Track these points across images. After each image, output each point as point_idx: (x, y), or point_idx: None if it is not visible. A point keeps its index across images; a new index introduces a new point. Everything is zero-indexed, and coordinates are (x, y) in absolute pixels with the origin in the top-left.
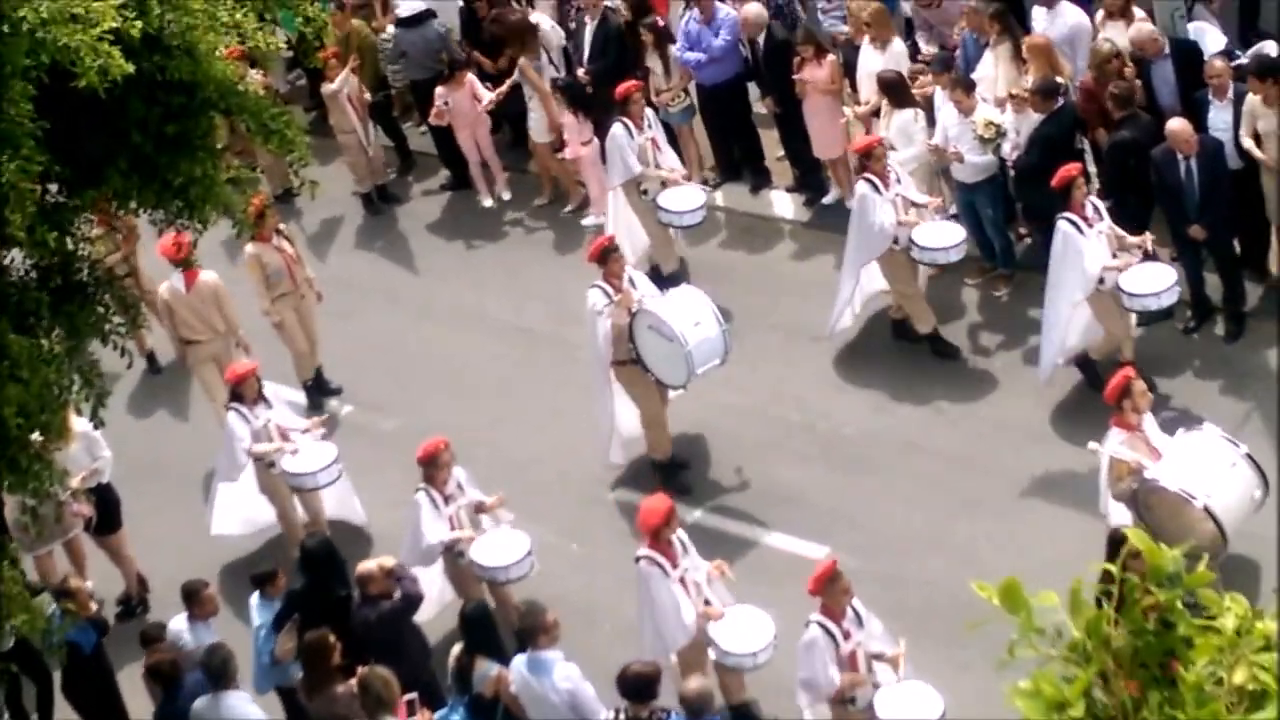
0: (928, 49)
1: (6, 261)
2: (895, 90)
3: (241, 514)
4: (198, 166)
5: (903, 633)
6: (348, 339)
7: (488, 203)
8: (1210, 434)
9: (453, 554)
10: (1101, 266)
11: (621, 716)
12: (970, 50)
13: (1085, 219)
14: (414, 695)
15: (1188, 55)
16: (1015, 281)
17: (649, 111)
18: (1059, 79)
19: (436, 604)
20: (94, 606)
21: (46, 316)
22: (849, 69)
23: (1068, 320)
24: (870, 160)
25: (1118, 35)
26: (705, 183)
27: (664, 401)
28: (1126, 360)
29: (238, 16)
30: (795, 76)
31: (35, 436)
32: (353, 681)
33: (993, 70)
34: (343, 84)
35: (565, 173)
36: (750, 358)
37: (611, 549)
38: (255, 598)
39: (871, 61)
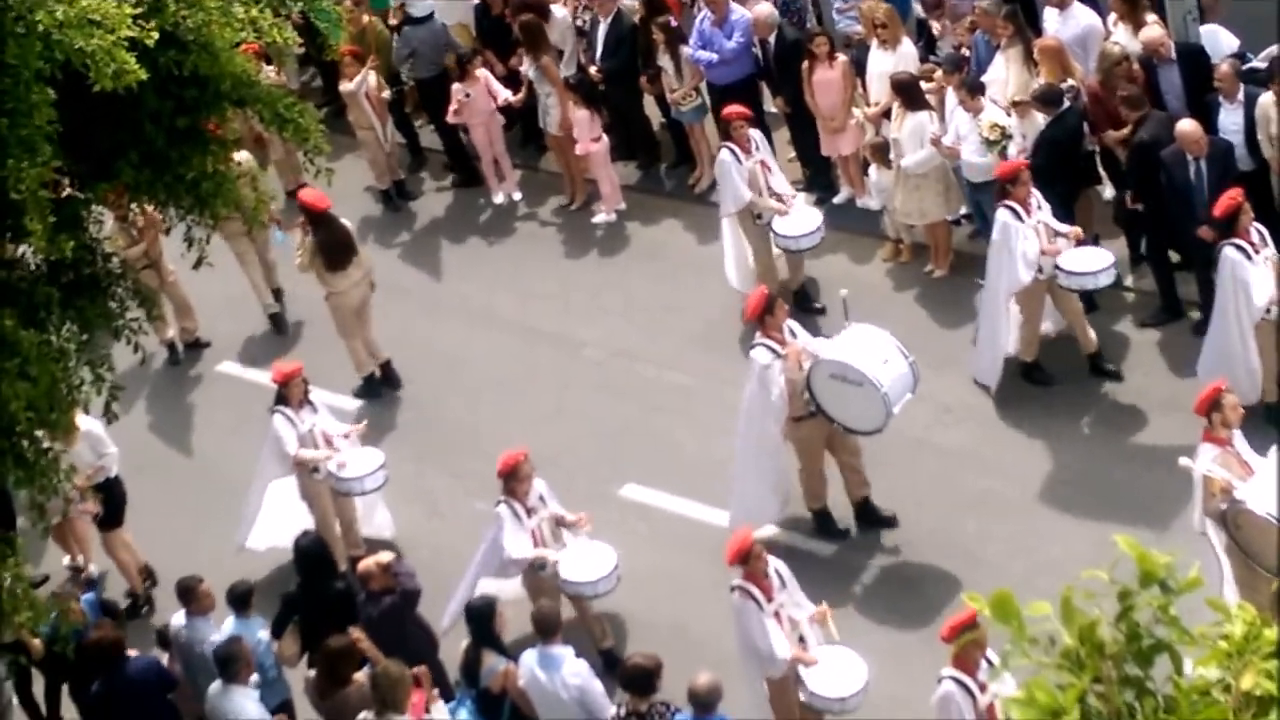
0: (940, 36)
1: (17, 255)
2: (908, 93)
3: (280, 527)
4: (210, 161)
5: (905, 631)
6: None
7: (499, 199)
8: None
9: (534, 567)
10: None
11: (622, 710)
12: (982, 52)
13: (1252, 244)
14: (421, 669)
15: (1194, 59)
16: None
17: (755, 134)
18: (1070, 81)
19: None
20: (85, 614)
21: (56, 311)
22: (859, 69)
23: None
24: (1014, 185)
25: (1127, 38)
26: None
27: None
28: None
29: (253, 12)
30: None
31: (41, 433)
32: (362, 679)
33: (1004, 72)
34: (361, 82)
35: (577, 169)
36: None
37: (618, 547)
38: (231, 620)
39: (881, 63)
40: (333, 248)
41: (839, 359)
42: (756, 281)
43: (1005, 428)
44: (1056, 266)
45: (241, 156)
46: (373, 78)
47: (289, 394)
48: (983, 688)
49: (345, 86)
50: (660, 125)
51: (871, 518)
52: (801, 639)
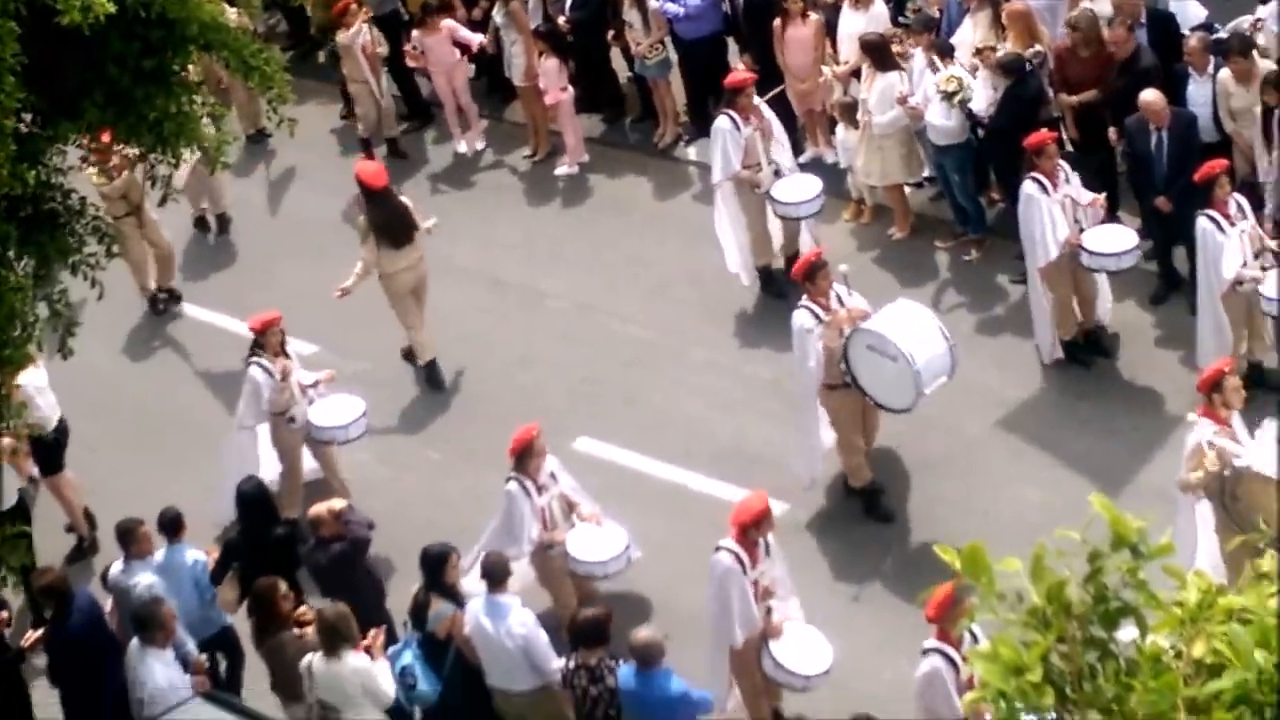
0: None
1: None
2: (878, 53)
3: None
4: (173, 102)
5: (858, 594)
6: (318, 280)
7: (462, 148)
8: None
9: (544, 547)
10: (1237, 268)
11: (572, 664)
12: (953, 14)
13: (1227, 217)
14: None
15: (1163, 26)
16: (985, 246)
17: (759, 101)
18: (1037, 46)
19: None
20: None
21: (14, 247)
22: (830, 29)
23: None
24: (1040, 158)
25: (1099, 4)
26: (679, 138)
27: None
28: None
29: None
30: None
31: None
32: (301, 629)
33: (971, 34)
34: (357, 34)
35: (542, 119)
36: (720, 316)
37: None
38: (163, 547)
39: (853, 23)
40: (392, 225)
41: (878, 330)
42: (752, 254)
43: (959, 393)
44: (1080, 246)
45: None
46: (368, 31)
47: (266, 342)
48: (965, 659)
49: (341, 38)
50: (626, 79)
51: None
52: (770, 611)
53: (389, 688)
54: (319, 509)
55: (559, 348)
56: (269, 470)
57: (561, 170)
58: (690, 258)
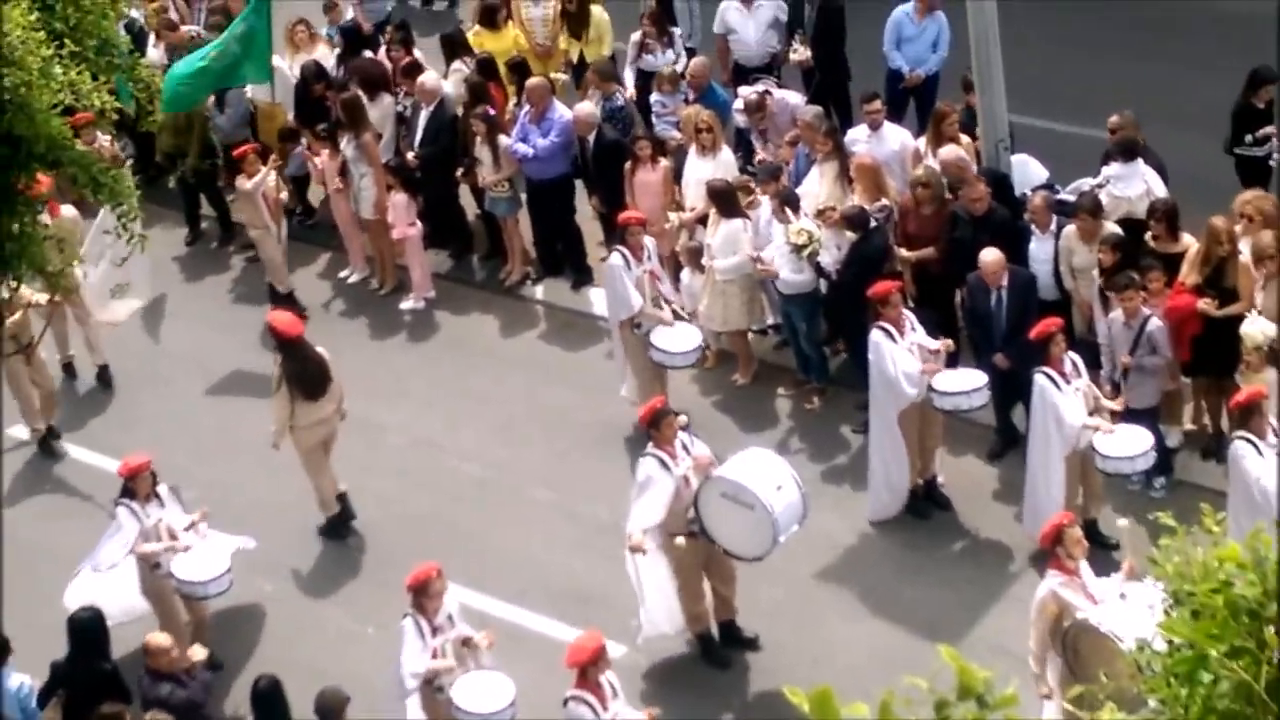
0: (762, 155)
1: None
2: (724, 199)
3: (120, 602)
4: (15, 221)
5: None
6: (159, 408)
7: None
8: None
9: (431, 688)
10: (1081, 424)
11: None
12: (800, 164)
13: (1063, 374)
14: None
15: (997, 185)
16: (827, 395)
17: (649, 241)
18: (883, 200)
19: None
20: None
21: None
22: (677, 175)
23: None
24: (885, 307)
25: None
26: (526, 277)
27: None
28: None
29: (72, 75)
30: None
31: None
32: None
33: (818, 186)
34: (260, 182)
35: (389, 253)
36: (561, 454)
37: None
38: None
39: (700, 169)
40: (308, 377)
41: (734, 479)
42: (638, 397)
43: (800, 539)
44: (930, 387)
45: (69, 212)
46: (272, 178)
47: (136, 487)
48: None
49: (243, 185)
50: (475, 216)
51: (735, 639)
52: None
53: None
54: (160, 640)
55: (397, 483)
56: (115, 607)
57: (407, 305)
58: (533, 397)
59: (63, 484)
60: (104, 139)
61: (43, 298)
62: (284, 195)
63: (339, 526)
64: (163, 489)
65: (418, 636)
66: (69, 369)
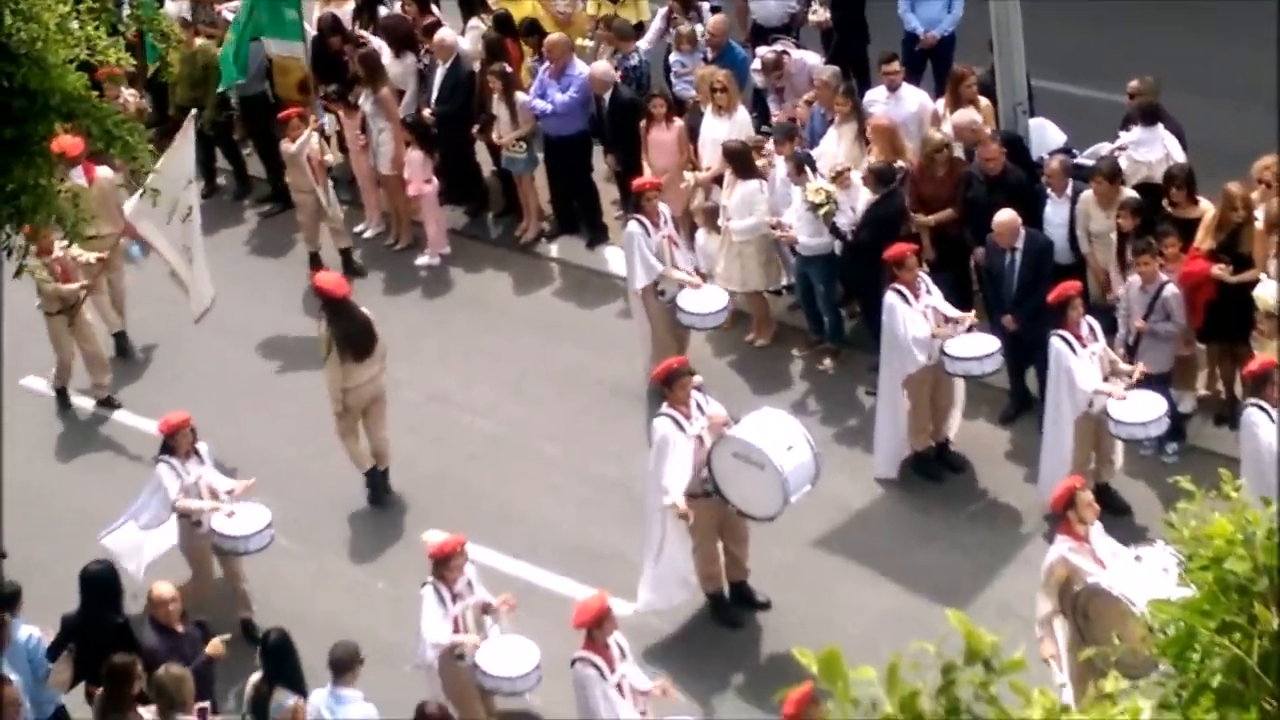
0: (778, 114)
1: None
2: (740, 160)
3: (146, 554)
4: (33, 174)
5: (708, 699)
6: (174, 362)
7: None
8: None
9: (452, 655)
10: (1094, 389)
11: None
12: (817, 125)
13: (1079, 338)
14: (206, 704)
15: (1013, 148)
16: (841, 357)
17: (664, 207)
18: (900, 162)
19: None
20: None
21: None
22: (693, 134)
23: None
24: (901, 270)
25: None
26: (541, 234)
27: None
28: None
29: (89, 30)
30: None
31: None
32: (144, 710)
33: (835, 146)
34: (304, 144)
35: (404, 209)
36: (574, 412)
37: (414, 590)
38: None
39: (716, 129)
40: (356, 337)
41: (745, 438)
42: (653, 362)
43: (811, 504)
44: (942, 351)
45: (105, 173)
46: (315, 140)
47: (176, 444)
48: (612, 668)
49: (287, 148)
50: (490, 173)
51: (746, 600)
52: (643, 712)
53: None
54: (163, 590)
55: (410, 439)
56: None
57: (422, 261)
58: (546, 355)
59: (79, 438)
60: (129, 94)
61: (91, 257)
62: (328, 157)
63: (376, 479)
64: (202, 446)
65: (438, 604)
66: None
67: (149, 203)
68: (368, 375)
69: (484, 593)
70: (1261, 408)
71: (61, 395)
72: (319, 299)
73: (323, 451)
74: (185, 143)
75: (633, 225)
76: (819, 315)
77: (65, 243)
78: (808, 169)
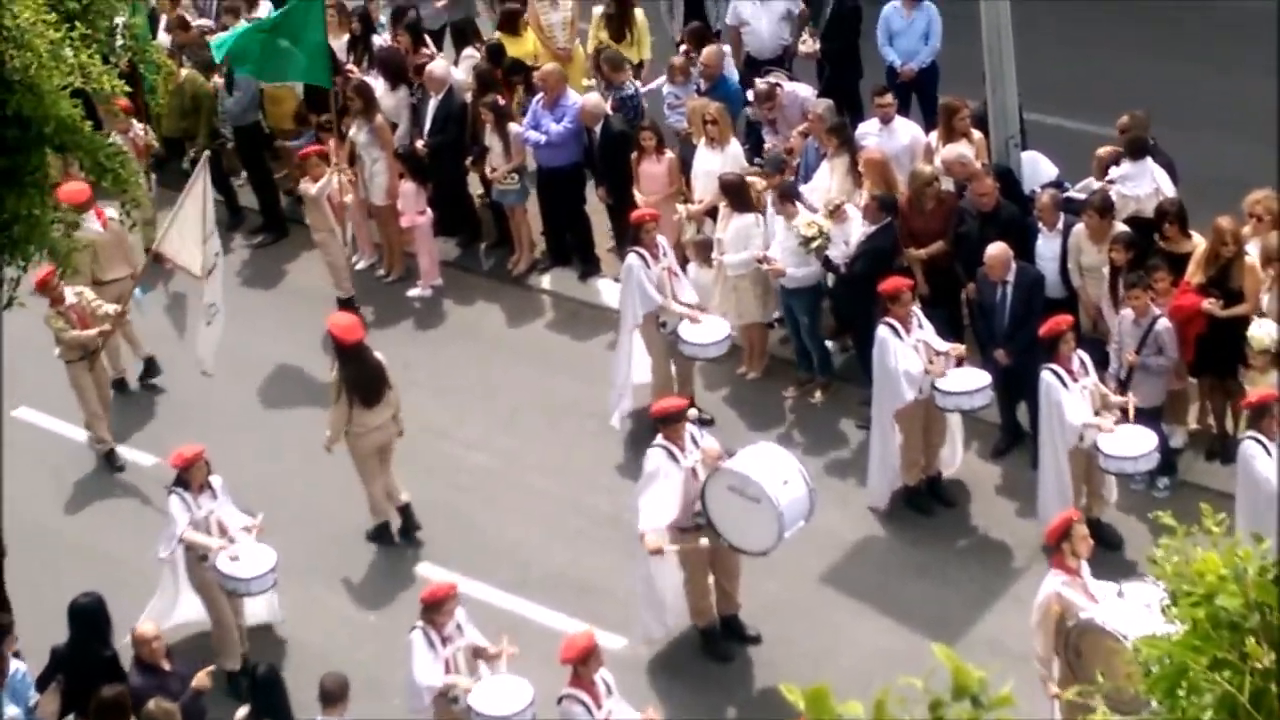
0: (771, 146)
1: None
2: (736, 194)
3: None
4: (25, 204)
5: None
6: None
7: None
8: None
9: (446, 698)
10: (1084, 423)
11: None
12: (810, 158)
13: (1070, 372)
14: None
15: (1003, 181)
16: (831, 390)
17: (662, 239)
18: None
19: None
20: None
21: None
22: (684, 166)
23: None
24: (895, 304)
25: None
26: (534, 266)
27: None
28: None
29: (83, 58)
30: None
31: None
32: None
33: (828, 180)
34: (325, 186)
35: (397, 240)
36: (566, 444)
37: (409, 626)
38: None
39: (708, 161)
40: (365, 383)
41: (742, 471)
42: (654, 395)
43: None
44: (934, 386)
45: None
46: (336, 180)
47: (190, 478)
48: (599, 704)
49: (307, 189)
50: (482, 205)
51: (737, 634)
52: None
53: None
54: (146, 629)
55: (400, 471)
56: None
57: (414, 293)
58: (539, 386)
59: (74, 471)
60: (139, 128)
61: (111, 308)
62: (348, 198)
63: (386, 532)
64: (215, 480)
65: (428, 648)
66: (120, 384)
67: (175, 234)
68: (377, 421)
69: (475, 634)
70: (1259, 441)
71: (110, 457)
72: (332, 343)
73: (314, 484)
74: (199, 192)
75: (632, 258)
76: (807, 351)
77: (79, 289)
78: (795, 202)
